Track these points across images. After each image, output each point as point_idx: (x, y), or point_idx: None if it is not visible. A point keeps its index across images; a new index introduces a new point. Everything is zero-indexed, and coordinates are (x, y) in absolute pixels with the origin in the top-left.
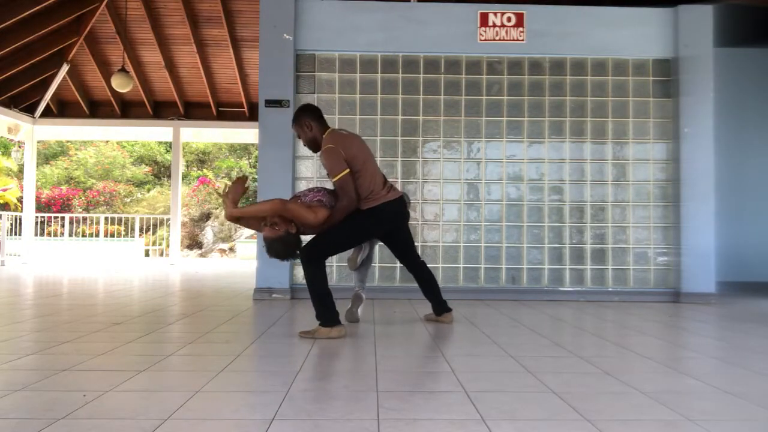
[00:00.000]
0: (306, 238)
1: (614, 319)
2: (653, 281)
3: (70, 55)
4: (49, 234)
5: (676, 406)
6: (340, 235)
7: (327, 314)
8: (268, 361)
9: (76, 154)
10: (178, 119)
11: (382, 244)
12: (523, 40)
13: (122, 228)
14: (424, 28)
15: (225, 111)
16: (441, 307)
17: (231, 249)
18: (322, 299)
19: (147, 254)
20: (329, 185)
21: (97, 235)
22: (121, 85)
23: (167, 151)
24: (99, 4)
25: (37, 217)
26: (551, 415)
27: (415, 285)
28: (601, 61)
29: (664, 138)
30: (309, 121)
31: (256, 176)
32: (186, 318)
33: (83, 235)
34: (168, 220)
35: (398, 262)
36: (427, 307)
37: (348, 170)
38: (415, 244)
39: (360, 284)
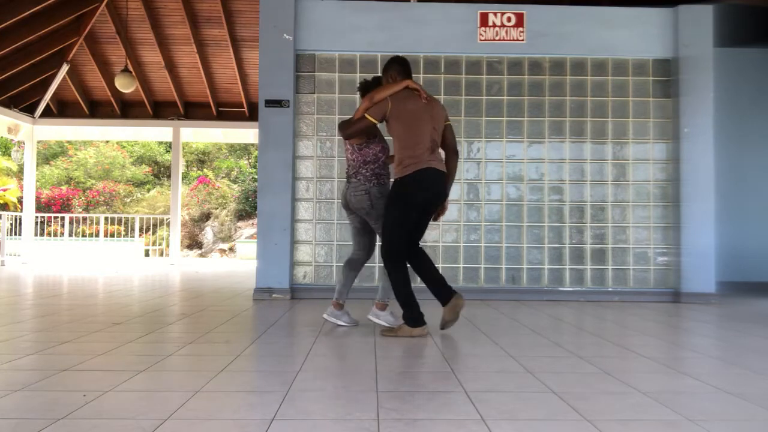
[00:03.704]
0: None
1: (614, 319)
2: (653, 281)
3: (70, 55)
4: (49, 234)
5: (676, 406)
6: (388, 216)
7: (408, 314)
8: (268, 361)
9: (75, 154)
10: (178, 119)
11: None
12: (523, 40)
13: (122, 228)
14: (424, 28)
15: (225, 111)
16: (448, 293)
17: (231, 249)
18: (405, 299)
19: (147, 254)
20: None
21: (97, 235)
22: (125, 85)
23: (167, 151)
24: (99, 4)
25: (37, 217)
26: (551, 415)
27: (416, 285)
28: (601, 61)
29: (664, 138)
30: (395, 73)
31: (256, 176)
32: (186, 318)
33: (83, 235)
34: (168, 220)
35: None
36: (432, 306)
37: (373, 121)
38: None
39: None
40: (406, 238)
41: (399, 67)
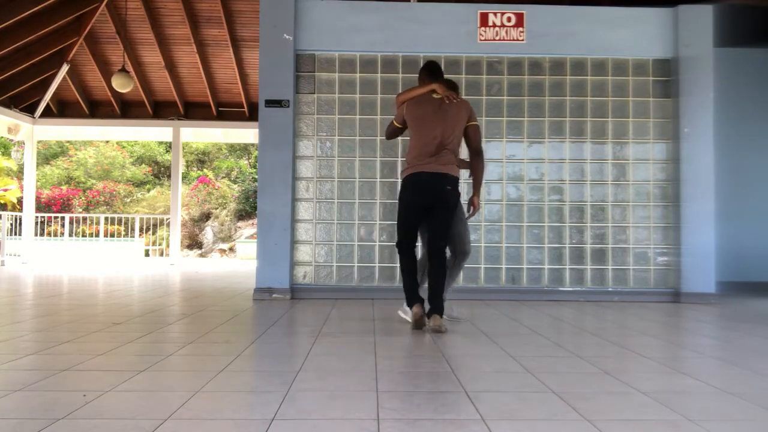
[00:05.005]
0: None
1: (614, 319)
2: (653, 281)
3: (70, 55)
4: (49, 234)
5: (676, 406)
6: (398, 213)
7: (406, 297)
8: (268, 361)
9: (76, 154)
10: (178, 119)
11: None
12: (523, 40)
13: (122, 228)
14: (424, 28)
15: (225, 111)
16: (430, 306)
17: (231, 249)
18: (406, 285)
19: (147, 254)
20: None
21: (97, 235)
22: (122, 85)
23: (167, 151)
24: (99, 4)
25: (37, 217)
26: (551, 415)
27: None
28: (601, 61)
29: (664, 138)
30: (423, 77)
31: (256, 176)
32: (186, 318)
33: (83, 235)
34: (168, 220)
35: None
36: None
37: (395, 123)
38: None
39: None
40: (407, 232)
41: (425, 72)
